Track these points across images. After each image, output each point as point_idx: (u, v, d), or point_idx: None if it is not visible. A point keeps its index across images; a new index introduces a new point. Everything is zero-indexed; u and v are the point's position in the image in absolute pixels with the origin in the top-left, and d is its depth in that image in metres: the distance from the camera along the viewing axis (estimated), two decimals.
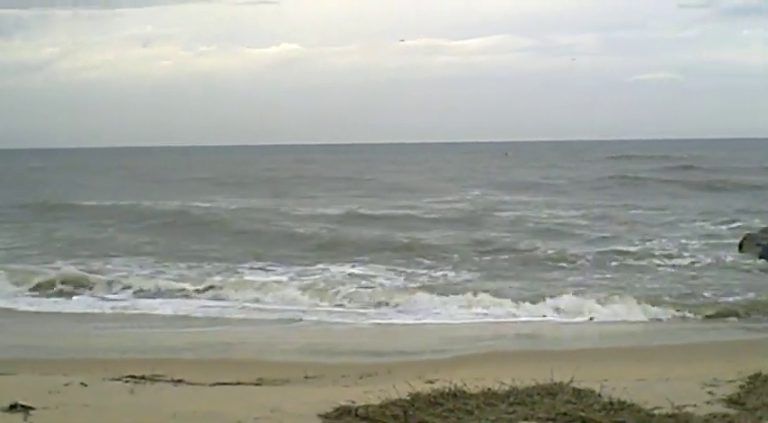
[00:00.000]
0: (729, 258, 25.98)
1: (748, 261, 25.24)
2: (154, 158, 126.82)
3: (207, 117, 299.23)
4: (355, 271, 24.80)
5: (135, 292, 21.76)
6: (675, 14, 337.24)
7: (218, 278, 23.38)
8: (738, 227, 32.89)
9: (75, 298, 21.20)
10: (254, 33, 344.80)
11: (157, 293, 21.59)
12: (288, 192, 56.99)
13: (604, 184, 59.89)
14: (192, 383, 10.88)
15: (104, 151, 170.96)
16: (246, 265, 25.83)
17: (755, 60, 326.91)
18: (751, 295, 20.10)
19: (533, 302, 19.34)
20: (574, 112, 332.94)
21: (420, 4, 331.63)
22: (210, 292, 21.57)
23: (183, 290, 21.85)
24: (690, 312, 18.56)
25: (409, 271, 24.65)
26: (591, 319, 18.05)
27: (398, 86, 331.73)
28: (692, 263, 25.30)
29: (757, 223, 32.67)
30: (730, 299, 19.82)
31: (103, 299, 21.13)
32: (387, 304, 20.07)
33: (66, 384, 10.22)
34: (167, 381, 10.98)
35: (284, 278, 23.58)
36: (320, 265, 25.68)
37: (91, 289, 21.99)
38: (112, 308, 20.04)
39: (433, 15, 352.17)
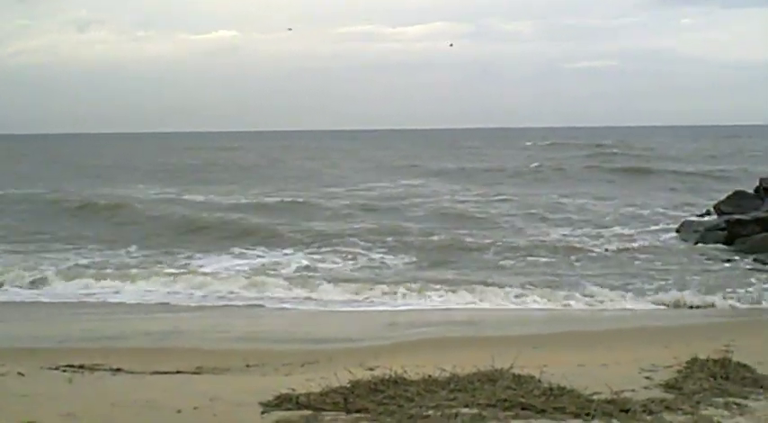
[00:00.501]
0: (669, 242, 26.38)
1: (685, 245, 25.65)
2: (83, 145, 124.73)
3: (144, 103, 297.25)
4: (283, 259, 24.79)
5: (66, 279, 21.39)
6: (617, 1, 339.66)
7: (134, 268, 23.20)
8: (666, 213, 33.39)
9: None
10: (192, 19, 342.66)
11: (86, 281, 21.22)
12: (206, 179, 56.52)
13: (529, 172, 60.17)
14: (131, 372, 10.77)
15: (38, 138, 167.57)
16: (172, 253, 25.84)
17: (694, 48, 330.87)
18: (690, 279, 20.47)
19: (471, 291, 19.44)
20: (514, 98, 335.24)
21: None
22: (132, 280, 21.26)
23: (106, 276, 21.63)
24: (631, 297, 18.80)
25: (338, 259, 24.61)
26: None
27: (335, 73, 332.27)
28: (631, 248, 25.56)
29: (689, 210, 33.22)
30: (670, 282, 20.18)
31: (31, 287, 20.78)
32: (326, 290, 20.03)
33: (3, 374, 10.05)
34: (106, 370, 10.86)
35: (213, 266, 23.52)
36: (235, 252, 25.96)
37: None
38: (45, 296, 19.75)
39: (373, 3, 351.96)
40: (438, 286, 19.88)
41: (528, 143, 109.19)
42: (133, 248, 26.71)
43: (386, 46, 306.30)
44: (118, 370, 10.85)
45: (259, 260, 24.67)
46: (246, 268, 23.15)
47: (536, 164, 65.68)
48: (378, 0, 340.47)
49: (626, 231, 29.31)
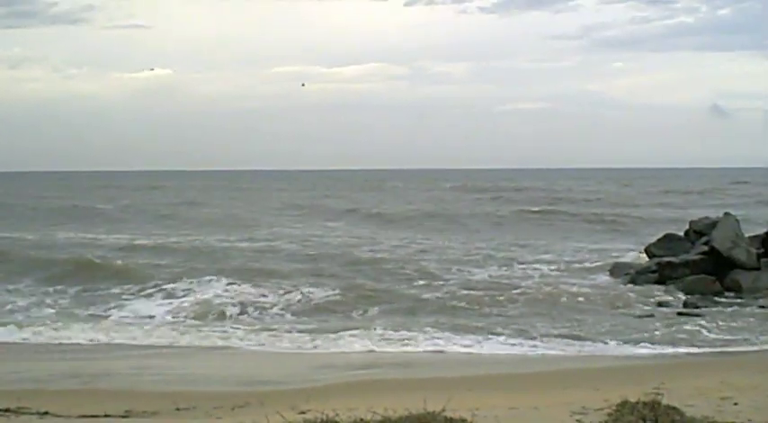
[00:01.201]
0: (601, 283, 26.62)
1: (618, 286, 25.90)
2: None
3: (77, 141, 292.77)
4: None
5: None
6: (550, 45, 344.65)
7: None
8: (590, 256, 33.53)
9: None
10: (125, 58, 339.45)
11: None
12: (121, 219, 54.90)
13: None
14: (58, 416, 10.60)
15: None
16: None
17: (627, 91, 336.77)
18: (620, 321, 20.66)
19: (398, 331, 19.43)
20: (447, 140, 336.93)
21: (293, 31, 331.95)
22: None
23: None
24: (560, 339, 18.91)
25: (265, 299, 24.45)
26: None
27: (269, 113, 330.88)
28: (562, 290, 25.70)
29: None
30: (601, 323, 20.35)
31: None
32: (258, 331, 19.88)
33: None
34: (33, 413, 10.65)
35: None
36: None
37: None
38: None
39: (308, 43, 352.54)
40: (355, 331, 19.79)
41: (448, 185, 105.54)
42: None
43: (320, 86, 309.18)
44: (45, 413, 10.64)
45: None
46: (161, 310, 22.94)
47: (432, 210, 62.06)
48: (314, 41, 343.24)
49: (554, 272, 29.22)
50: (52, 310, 22.74)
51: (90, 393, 13.06)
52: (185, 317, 21.97)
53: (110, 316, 22.23)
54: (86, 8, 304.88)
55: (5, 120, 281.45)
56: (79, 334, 19.63)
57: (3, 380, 14.41)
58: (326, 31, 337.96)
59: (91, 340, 19.02)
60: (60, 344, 18.57)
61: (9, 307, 23.10)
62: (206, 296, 24.50)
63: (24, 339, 19.15)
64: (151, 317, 22.09)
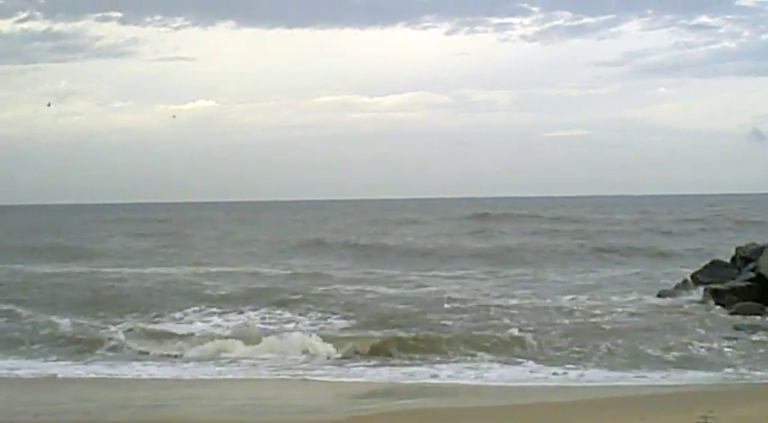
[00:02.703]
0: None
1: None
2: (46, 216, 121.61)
3: (122, 173, 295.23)
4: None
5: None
6: (592, 72, 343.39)
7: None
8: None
9: None
10: (170, 90, 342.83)
11: None
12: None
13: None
14: None
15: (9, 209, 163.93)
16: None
17: (670, 118, 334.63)
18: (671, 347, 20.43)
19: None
20: (488, 169, 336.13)
21: (334, 61, 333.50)
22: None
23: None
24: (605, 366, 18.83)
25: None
26: None
27: (311, 143, 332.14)
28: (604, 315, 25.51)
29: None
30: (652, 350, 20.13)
31: None
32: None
33: None
34: None
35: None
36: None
37: None
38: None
39: (348, 73, 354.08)
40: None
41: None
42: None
43: (362, 116, 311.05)
44: None
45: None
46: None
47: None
48: (355, 70, 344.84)
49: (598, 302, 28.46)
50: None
51: None
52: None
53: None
54: (131, 41, 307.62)
55: (51, 153, 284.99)
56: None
57: (51, 411, 14.59)
58: (368, 61, 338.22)
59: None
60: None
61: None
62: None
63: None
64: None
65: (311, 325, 24.62)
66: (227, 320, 25.84)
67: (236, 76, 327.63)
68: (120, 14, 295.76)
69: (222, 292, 31.44)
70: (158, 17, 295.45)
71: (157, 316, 26.48)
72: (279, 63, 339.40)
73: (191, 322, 25.47)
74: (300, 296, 29.67)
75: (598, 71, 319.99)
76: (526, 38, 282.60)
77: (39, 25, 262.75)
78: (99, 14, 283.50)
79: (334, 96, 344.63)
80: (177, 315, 26.67)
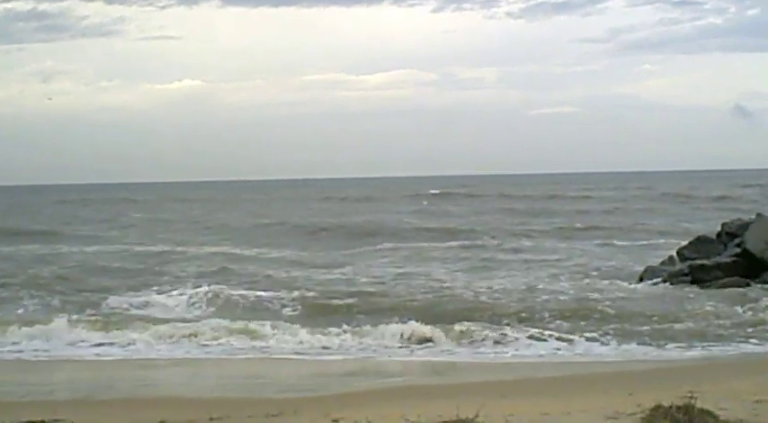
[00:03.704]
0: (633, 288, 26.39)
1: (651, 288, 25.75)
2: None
3: (107, 153, 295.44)
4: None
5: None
6: (578, 49, 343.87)
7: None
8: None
9: None
10: (156, 69, 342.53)
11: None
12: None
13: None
14: None
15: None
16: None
17: (656, 94, 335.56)
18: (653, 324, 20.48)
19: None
20: (475, 146, 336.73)
21: (320, 39, 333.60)
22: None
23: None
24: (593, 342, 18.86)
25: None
26: None
27: (297, 122, 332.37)
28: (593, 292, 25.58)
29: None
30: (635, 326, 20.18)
31: None
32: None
33: None
34: None
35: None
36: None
37: None
38: None
39: (335, 51, 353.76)
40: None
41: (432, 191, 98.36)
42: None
43: (349, 94, 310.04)
44: None
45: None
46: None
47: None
48: (341, 49, 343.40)
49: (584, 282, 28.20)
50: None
51: (124, 403, 13.17)
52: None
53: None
54: (117, 20, 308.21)
55: (38, 133, 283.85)
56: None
57: (38, 391, 14.55)
58: (354, 39, 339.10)
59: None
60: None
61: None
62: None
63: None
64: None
65: None
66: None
67: (221, 54, 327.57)
68: None
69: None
70: None
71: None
72: (264, 42, 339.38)
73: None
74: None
75: (584, 48, 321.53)
76: (512, 15, 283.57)
77: (23, 5, 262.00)
78: None
79: (320, 75, 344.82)
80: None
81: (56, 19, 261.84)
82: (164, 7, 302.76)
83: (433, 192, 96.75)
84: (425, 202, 79.86)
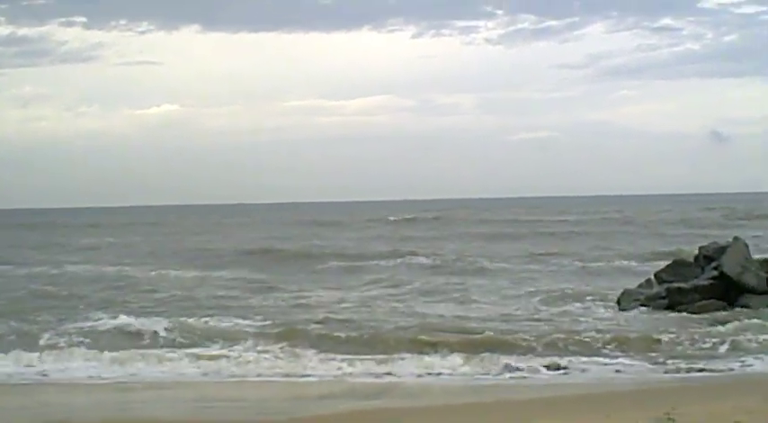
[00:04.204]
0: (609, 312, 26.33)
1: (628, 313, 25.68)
2: None
3: (87, 178, 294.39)
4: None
5: None
6: (556, 74, 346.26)
7: None
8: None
9: None
10: (136, 94, 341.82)
11: None
12: None
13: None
14: None
15: None
16: None
17: (633, 120, 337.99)
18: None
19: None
20: (453, 171, 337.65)
21: (300, 65, 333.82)
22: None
23: None
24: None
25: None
26: None
27: (277, 147, 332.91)
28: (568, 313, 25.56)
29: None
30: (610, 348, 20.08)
31: None
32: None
33: None
34: None
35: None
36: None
37: None
38: None
39: (315, 77, 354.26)
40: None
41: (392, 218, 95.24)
42: None
43: (329, 119, 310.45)
44: None
45: None
46: None
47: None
48: (321, 74, 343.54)
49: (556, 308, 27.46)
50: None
51: None
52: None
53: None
54: (96, 46, 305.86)
55: (17, 157, 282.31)
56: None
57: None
58: (334, 65, 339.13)
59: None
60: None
61: None
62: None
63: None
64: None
65: None
66: None
67: (201, 80, 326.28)
68: (84, 19, 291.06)
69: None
70: (123, 21, 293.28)
71: None
72: (244, 67, 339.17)
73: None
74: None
75: (562, 74, 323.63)
76: (490, 41, 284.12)
77: (2, 30, 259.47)
78: (63, 19, 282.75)
79: (300, 100, 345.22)
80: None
81: (35, 44, 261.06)
82: (143, 32, 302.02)
83: (406, 217, 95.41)
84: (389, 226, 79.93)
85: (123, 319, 24.59)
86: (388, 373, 18.19)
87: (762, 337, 20.56)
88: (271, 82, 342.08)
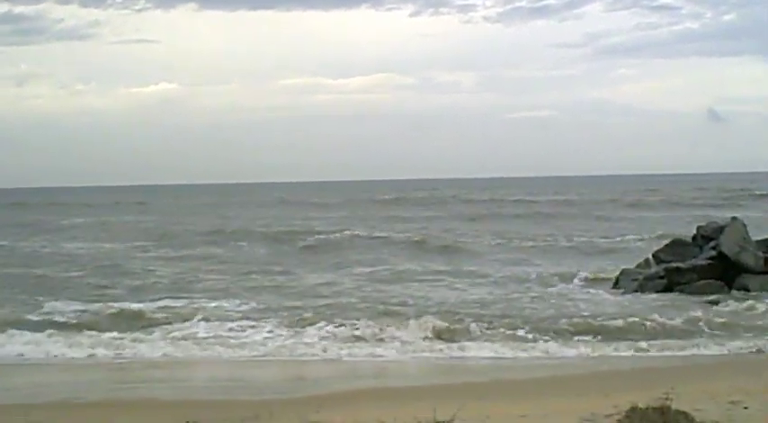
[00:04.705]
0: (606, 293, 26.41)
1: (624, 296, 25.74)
2: None
3: (83, 156, 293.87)
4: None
5: None
6: (555, 53, 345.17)
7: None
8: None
9: None
10: (132, 72, 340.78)
11: None
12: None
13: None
14: None
15: None
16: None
17: (632, 98, 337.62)
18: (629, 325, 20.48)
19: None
20: (453, 150, 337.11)
21: (299, 43, 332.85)
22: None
23: None
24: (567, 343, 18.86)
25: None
26: None
27: (277, 125, 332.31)
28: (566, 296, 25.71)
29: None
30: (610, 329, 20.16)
31: None
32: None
33: None
34: None
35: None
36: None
37: None
38: None
39: (313, 55, 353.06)
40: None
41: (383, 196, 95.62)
42: None
43: (328, 97, 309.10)
44: None
45: None
46: None
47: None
48: (320, 53, 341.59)
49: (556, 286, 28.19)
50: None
51: (95, 406, 13.07)
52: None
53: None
54: (93, 24, 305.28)
55: (13, 136, 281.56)
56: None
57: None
58: (332, 43, 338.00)
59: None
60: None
61: None
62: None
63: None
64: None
65: None
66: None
67: (198, 58, 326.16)
68: None
69: None
70: None
71: None
72: (242, 45, 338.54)
73: None
74: None
75: (561, 52, 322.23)
76: (489, 19, 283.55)
77: None
78: None
79: (298, 78, 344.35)
80: None
81: (31, 22, 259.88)
82: (140, 10, 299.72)
83: (390, 197, 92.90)
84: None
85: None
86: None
87: (758, 322, 20.67)
88: (269, 60, 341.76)
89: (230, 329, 20.82)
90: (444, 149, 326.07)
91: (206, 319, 21.86)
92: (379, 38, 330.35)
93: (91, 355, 18.36)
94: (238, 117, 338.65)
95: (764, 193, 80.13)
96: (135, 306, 23.74)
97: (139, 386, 15.45)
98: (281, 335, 20.09)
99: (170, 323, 21.52)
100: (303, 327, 20.67)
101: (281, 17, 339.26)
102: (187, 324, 21.37)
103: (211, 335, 20.22)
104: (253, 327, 21.03)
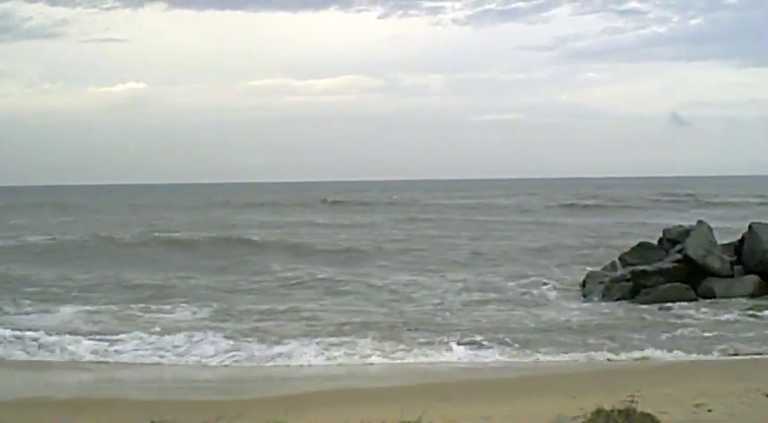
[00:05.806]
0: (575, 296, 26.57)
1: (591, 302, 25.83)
2: None
3: (48, 156, 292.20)
4: None
5: None
6: (523, 56, 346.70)
7: None
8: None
9: None
10: (100, 71, 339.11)
11: None
12: None
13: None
14: None
15: None
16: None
17: (599, 102, 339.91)
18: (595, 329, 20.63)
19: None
20: (421, 152, 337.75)
21: (267, 44, 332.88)
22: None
23: None
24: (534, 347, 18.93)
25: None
26: None
27: (244, 126, 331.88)
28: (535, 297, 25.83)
29: None
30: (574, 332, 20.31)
31: None
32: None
33: None
34: None
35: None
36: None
37: None
38: None
39: (282, 56, 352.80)
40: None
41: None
42: None
43: (295, 99, 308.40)
44: None
45: None
46: None
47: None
48: (288, 54, 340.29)
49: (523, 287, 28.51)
50: None
51: (60, 405, 13.00)
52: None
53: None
54: (61, 23, 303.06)
55: None
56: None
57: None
58: (301, 45, 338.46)
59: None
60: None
61: None
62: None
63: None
64: None
65: None
66: None
67: (167, 58, 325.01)
68: None
69: None
70: None
71: None
72: (211, 45, 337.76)
73: None
74: None
75: (529, 55, 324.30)
76: (458, 22, 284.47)
77: None
78: None
79: (267, 79, 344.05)
80: None
81: None
82: (108, 9, 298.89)
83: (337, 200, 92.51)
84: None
85: None
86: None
87: (722, 327, 20.83)
88: (238, 61, 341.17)
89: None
90: (412, 152, 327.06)
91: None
92: (347, 40, 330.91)
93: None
94: (206, 117, 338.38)
95: (710, 200, 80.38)
96: None
97: (107, 386, 15.43)
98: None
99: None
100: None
101: (251, 17, 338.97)
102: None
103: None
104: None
